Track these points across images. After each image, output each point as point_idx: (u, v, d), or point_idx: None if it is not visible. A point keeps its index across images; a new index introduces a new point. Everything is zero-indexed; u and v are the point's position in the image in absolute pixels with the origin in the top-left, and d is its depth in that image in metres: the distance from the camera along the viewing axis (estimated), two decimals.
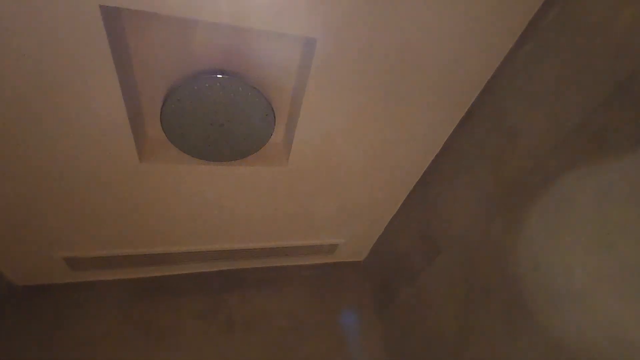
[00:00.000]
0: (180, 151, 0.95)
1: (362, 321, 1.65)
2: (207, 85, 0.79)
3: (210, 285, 1.59)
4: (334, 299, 1.69)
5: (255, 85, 0.84)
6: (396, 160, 1.22)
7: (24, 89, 0.73)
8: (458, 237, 1.13)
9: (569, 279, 0.76)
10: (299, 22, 0.72)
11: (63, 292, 1.41)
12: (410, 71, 0.90)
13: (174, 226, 1.27)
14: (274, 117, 0.91)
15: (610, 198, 0.68)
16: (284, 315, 1.58)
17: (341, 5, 0.72)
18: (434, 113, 1.05)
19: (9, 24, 0.64)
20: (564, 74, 0.79)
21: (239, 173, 1.10)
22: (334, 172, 1.21)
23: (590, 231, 0.72)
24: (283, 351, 1.47)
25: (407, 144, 1.15)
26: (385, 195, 1.39)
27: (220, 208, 1.23)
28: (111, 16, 0.69)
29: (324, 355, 1.50)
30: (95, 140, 0.88)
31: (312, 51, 0.79)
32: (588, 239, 0.72)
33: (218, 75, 0.79)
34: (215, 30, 0.78)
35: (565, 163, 0.78)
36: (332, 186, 1.27)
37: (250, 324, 1.52)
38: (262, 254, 1.58)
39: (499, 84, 0.96)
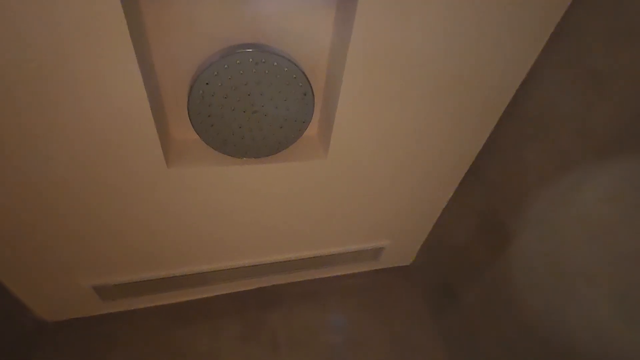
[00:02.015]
0: (211, 148, 0.84)
1: (418, 330, 1.47)
2: (237, 61, 0.69)
3: (248, 304, 1.45)
4: (384, 308, 1.53)
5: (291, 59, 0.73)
6: (444, 145, 1.08)
7: (34, 87, 0.65)
8: (535, 218, 0.97)
9: None
10: None
11: (94, 324, 1.31)
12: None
13: (207, 241, 1.16)
14: (313, 95, 0.79)
15: None
16: (333, 330, 1.42)
17: None
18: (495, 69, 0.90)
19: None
20: None
21: (275, 171, 0.98)
22: (377, 163, 1.07)
23: None
24: None
25: (458, 124, 1.02)
26: (432, 187, 1.24)
27: (256, 214, 1.11)
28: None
29: None
30: (118, 146, 0.79)
31: (351, 17, 0.68)
32: None
33: (249, 50, 0.69)
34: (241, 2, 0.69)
35: None
36: (374, 181, 1.14)
37: (297, 342, 1.36)
38: (302, 265, 1.44)
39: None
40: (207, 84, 0.71)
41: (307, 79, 0.76)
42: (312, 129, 1.04)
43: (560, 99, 0.86)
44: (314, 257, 1.41)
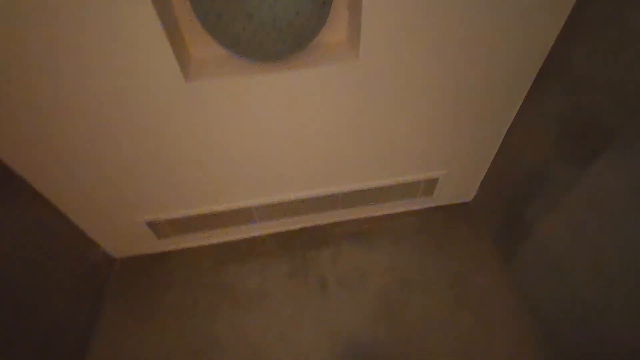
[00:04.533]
0: (230, 59, 0.76)
1: (484, 273, 1.30)
2: None
3: (295, 244, 1.42)
4: (442, 249, 1.37)
5: None
6: (509, 36, 0.86)
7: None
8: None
9: None
10: None
11: (155, 262, 1.39)
12: None
13: (245, 170, 1.12)
14: None
15: None
16: (385, 271, 1.32)
17: None
18: None
19: None
20: None
21: (302, 79, 0.88)
22: (422, 65, 0.90)
23: None
24: (392, 308, 1.22)
25: (527, 5, 0.79)
26: (496, 97, 1.03)
27: (290, 133, 1.03)
28: None
29: (445, 311, 1.20)
30: (135, 65, 0.76)
31: None
32: None
33: None
34: None
35: None
36: (421, 90, 0.97)
37: (346, 282, 1.30)
38: (348, 201, 1.34)
39: None
40: None
41: None
42: (339, 33, 0.90)
43: None
44: (360, 191, 1.30)
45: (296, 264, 1.36)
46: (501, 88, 1.00)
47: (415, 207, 1.48)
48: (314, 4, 0.73)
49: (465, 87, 0.98)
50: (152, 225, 1.27)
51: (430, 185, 1.35)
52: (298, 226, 1.45)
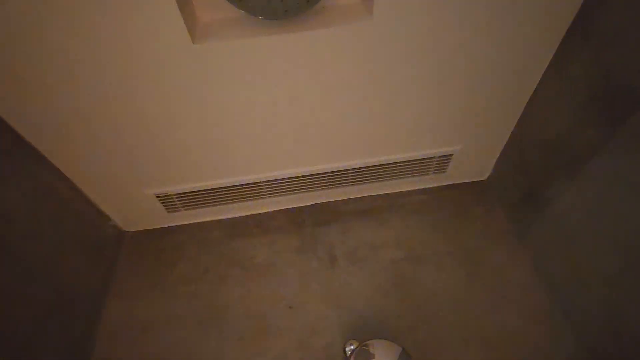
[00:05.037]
0: (231, 3, 0.74)
1: (497, 249, 1.27)
2: None
3: (305, 220, 1.41)
4: (454, 226, 1.34)
5: None
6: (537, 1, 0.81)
7: None
8: None
9: None
10: None
11: (165, 235, 1.40)
12: None
13: (253, 142, 1.10)
14: None
15: None
16: (395, 247, 1.30)
17: None
18: None
19: None
20: None
21: (311, 41, 0.85)
22: (438, 26, 0.86)
23: None
24: (402, 282, 1.20)
25: None
26: (517, 62, 0.98)
27: (299, 101, 1.01)
28: None
29: (457, 286, 1.18)
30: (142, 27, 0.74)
31: None
32: None
33: None
34: None
35: None
36: (437, 55, 0.93)
37: (355, 257, 1.29)
38: (359, 177, 1.32)
39: None
40: None
41: None
42: None
43: None
44: (371, 167, 1.28)
45: (305, 239, 1.35)
46: (526, 51, 0.95)
47: (427, 185, 1.45)
48: None
49: (487, 50, 0.93)
50: (161, 198, 1.27)
51: (443, 162, 1.31)
52: (308, 203, 1.44)
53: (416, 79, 0.98)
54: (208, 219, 1.42)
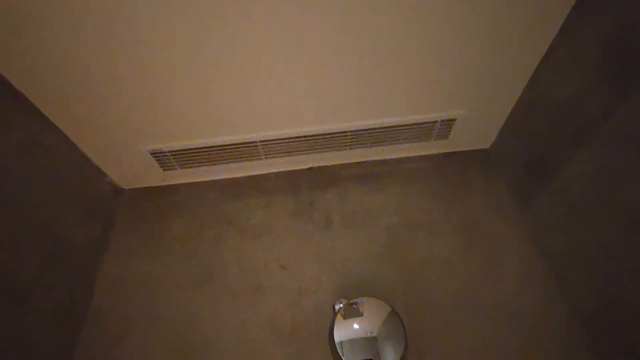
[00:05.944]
0: None
1: (496, 219, 1.24)
2: None
3: (301, 183, 1.39)
4: (453, 194, 1.32)
5: None
6: None
7: None
8: None
9: None
10: None
11: (162, 194, 1.40)
12: None
13: (247, 98, 1.06)
14: None
15: None
16: (392, 213, 1.28)
17: None
18: None
19: None
20: None
21: None
22: None
23: None
24: (397, 247, 1.20)
25: None
26: (529, 25, 0.91)
27: (295, 60, 0.96)
28: None
29: (451, 253, 1.18)
30: None
31: None
32: None
33: None
34: None
35: None
36: (443, 11, 0.86)
37: (352, 221, 1.28)
38: (357, 140, 1.28)
39: None
40: None
41: None
42: None
43: None
44: (371, 130, 1.23)
45: (302, 202, 1.34)
46: (538, 7, 0.88)
47: (428, 152, 1.41)
48: None
49: (495, 4, 0.86)
50: (156, 155, 1.25)
51: (446, 127, 1.26)
52: (305, 166, 1.42)
53: (420, 36, 0.92)
54: (205, 179, 1.41)
